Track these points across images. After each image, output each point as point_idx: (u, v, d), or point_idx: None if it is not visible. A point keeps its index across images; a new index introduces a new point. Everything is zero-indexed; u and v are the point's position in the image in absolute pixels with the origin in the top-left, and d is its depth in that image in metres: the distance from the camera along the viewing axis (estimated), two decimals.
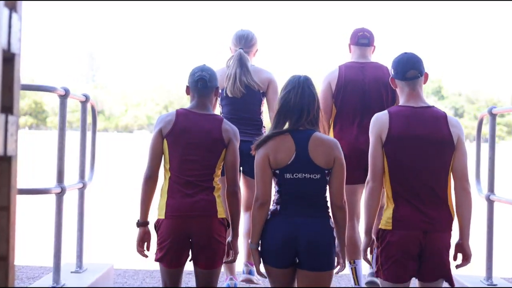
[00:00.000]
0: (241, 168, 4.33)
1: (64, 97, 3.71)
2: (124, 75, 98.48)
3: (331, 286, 3.31)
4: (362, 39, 4.43)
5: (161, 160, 3.51)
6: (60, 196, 3.71)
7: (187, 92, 3.68)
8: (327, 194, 3.26)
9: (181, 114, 3.56)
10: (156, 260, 3.46)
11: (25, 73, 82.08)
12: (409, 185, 3.19)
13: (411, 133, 3.21)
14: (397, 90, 3.38)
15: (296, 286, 3.26)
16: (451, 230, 3.24)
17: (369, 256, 3.46)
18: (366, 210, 3.31)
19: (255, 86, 4.30)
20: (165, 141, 3.49)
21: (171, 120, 3.52)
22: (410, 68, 3.29)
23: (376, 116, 3.33)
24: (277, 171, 3.20)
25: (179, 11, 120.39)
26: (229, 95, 4.31)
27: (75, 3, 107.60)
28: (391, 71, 3.38)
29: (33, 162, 20.17)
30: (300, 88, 3.24)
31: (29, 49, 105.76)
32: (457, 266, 3.30)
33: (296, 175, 3.17)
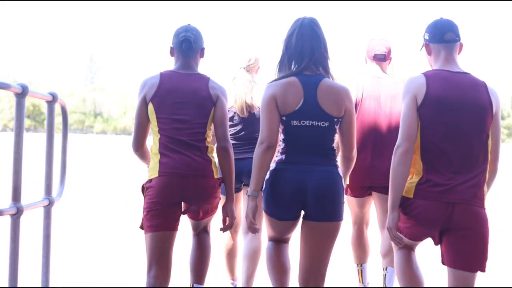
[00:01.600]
0: (243, 182, 4.26)
1: (21, 95, 3.00)
2: (123, 77, 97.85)
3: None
4: (379, 55, 4.33)
5: (148, 129, 3.45)
6: (15, 218, 3.00)
7: (171, 54, 3.56)
8: (334, 144, 3.10)
9: (165, 75, 3.45)
10: (145, 228, 3.32)
11: (22, 74, 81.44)
12: (443, 152, 2.96)
13: (450, 96, 2.99)
14: (430, 57, 3.18)
15: (303, 237, 3.12)
16: (483, 206, 2.99)
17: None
18: (393, 179, 3.00)
19: (255, 107, 4.25)
20: (150, 105, 3.39)
21: (155, 82, 3.42)
22: (449, 31, 3.12)
23: (411, 79, 3.09)
24: (284, 118, 3.03)
25: (179, 13, 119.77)
26: (239, 114, 4.27)
27: (75, 5, 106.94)
28: (425, 36, 3.18)
29: (27, 167, 19.48)
30: (302, 29, 3.07)
31: (28, 51, 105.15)
32: None
33: (303, 122, 3.01)
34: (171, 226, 3.33)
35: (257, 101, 4.25)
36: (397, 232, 3.09)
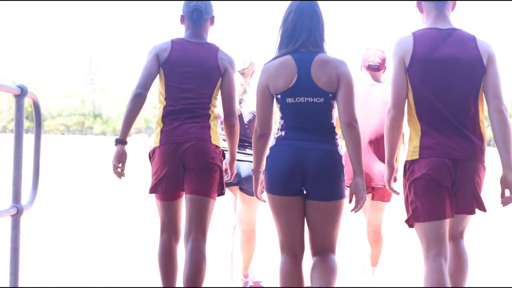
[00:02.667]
0: (239, 185, 4.32)
1: None
2: (123, 78, 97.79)
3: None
4: (373, 65, 4.44)
5: (153, 81, 3.47)
6: None
7: (182, 22, 3.63)
8: (333, 120, 3.07)
9: (176, 43, 3.53)
10: (150, 192, 3.49)
11: (22, 75, 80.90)
12: (436, 111, 2.97)
13: (438, 55, 2.98)
14: (423, 15, 3.18)
15: (305, 217, 3.11)
16: (483, 161, 3.02)
17: (393, 185, 3.42)
18: (387, 141, 3.09)
19: (243, 111, 4.28)
20: (161, 70, 3.48)
21: (167, 48, 3.50)
22: None
23: (400, 39, 3.09)
24: (279, 96, 3.06)
25: (179, 14, 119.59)
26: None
27: (75, 5, 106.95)
28: None
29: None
30: (300, 7, 3.06)
31: (28, 51, 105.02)
32: (503, 202, 3.03)
33: (298, 99, 3.02)
34: (175, 195, 3.48)
35: (249, 105, 4.30)
36: (413, 223, 3.03)
